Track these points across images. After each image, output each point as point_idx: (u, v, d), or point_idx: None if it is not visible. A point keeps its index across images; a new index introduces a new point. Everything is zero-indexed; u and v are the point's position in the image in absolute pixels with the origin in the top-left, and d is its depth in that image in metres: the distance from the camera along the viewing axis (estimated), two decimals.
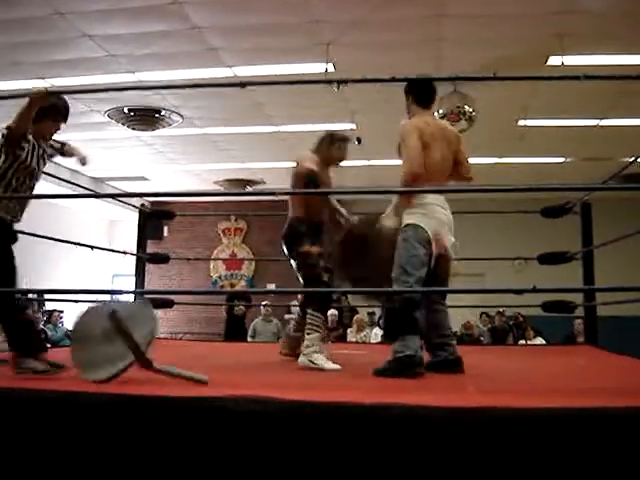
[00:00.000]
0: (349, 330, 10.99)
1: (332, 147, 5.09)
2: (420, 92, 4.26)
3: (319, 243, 4.60)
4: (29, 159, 3.74)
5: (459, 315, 10.81)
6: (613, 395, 2.75)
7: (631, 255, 11.65)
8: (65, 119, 3.97)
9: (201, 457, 2.27)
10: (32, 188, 3.90)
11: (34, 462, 2.36)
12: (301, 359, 4.31)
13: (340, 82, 3.57)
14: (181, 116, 9.68)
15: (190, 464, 2.27)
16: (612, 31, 6.86)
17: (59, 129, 3.99)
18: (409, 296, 3.81)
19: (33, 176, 3.84)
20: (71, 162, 4.17)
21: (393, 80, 3.47)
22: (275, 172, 12.94)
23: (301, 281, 4.64)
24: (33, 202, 3.93)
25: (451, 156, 4.16)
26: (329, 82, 3.84)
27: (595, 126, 9.92)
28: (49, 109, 3.83)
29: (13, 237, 3.85)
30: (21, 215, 3.87)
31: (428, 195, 4.00)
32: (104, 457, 2.33)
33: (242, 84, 3.61)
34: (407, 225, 3.97)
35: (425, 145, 3.97)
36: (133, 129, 9.95)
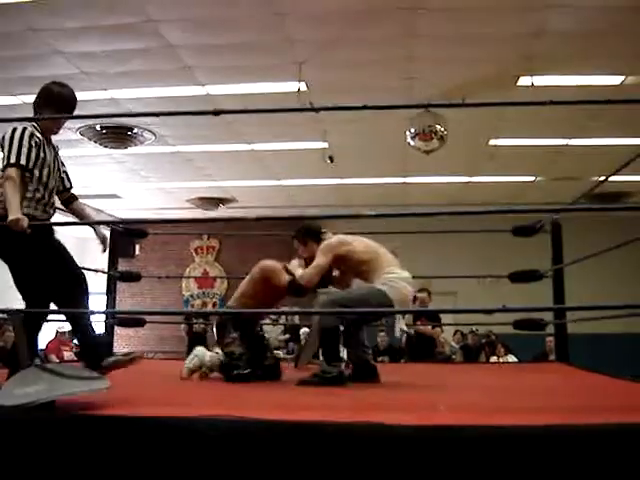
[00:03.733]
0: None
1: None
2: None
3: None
4: (47, 160, 3.71)
5: None
6: (584, 412, 2.77)
7: (601, 273, 11.79)
8: (71, 111, 3.90)
9: (177, 478, 2.25)
10: (54, 187, 3.86)
11: None
12: None
13: (312, 110, 3.63)
14: (154, 134, 9.66)
15: None
16: (580, 52, 6.98)
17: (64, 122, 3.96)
18: (331, 327, 4.32)
19: (50, 174, 3.78)
20: None
21: (365, 108, 3.51)
22: (247, 190, 12.94)
23: None
24: None
25: None
26: (302, 110, 3.92)
27: (565, 146, 10.05)
28: (54, 99, 3.79)
29: (49, 233, 3.79)
30: (53, 210, 3.85)
31: (397, 271, 4.44)
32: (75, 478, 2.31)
33: (216, 112, 3.63)
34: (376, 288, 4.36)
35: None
36: (105, 147, 9.91)
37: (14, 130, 3.63)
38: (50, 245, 3.71)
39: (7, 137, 3.62)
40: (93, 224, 4.50)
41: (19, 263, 3.62)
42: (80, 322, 3.81)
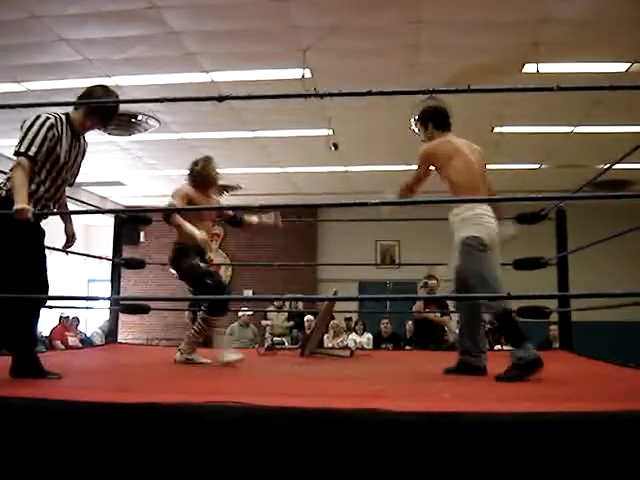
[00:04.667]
0: (325, 336, 10.98)
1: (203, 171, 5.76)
2: (438, 118, 4.57)
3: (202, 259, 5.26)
4: (61, 156, 3.64)
5: None
6: (588, 400, 2.77)
7: (603, 261, 11.76)
8: (107, 118, 3.90)
9: (181, 464, 2.26)
10: (63, 182, 3.79)
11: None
12: (178, 356, 4.88)
13: (316, 95, 3.59)
14: (158, 121, 9.64)
15: (170, 470, 2.26)
16: (586, 39, 6.94)
17: (101, 128, 3.99)
18: (504, 307, 3.98)
19: (62, 170, 3.70)
20: None
21: (369, 94, 3.50)
22: (251, 177, 12.92)
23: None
24: None
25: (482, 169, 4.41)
26: (306, 96, 3.90)
27: (570, 133, 10.02)
28: (100, 110, 3.77)
29: (37, 230, 3.71)
30: (53, 204, 3.79)
31: (479, 206, 4.18)
32: (85, 465, 2.31)
33: (220, 98, 3.60)
34: (468, 237, 4.12)
35: (448, 158, 4.28)
36: (109, 134, 9.88)
37: (36, 118, 3.58)
38: (27, 243, 3.60)
39: (27, 123, 3.57)
40: (99, 212, 4.47)
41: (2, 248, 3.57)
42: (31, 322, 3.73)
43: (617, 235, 4.66)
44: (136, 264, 7.01)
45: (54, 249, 5.42)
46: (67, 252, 4.81)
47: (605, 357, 5.28)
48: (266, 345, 6.53)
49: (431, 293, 8.74)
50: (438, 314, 8.80)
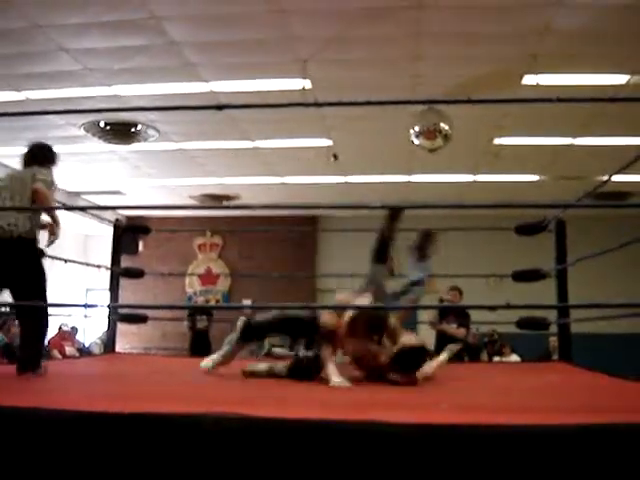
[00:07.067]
0: None
1: None
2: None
3: None
4: None
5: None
6: (585, 412, 2.76)
7: (604, 273, 11.75)
8: None
9: (178, 475, 2.24)
10: None
11: None
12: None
13: (315, 105, 3.61)
14: (157, 131, 9.65)
15: None
16: (586, 51, 6.96)
17: None
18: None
19: None
20: None
21: (368, 104, 3.51)
22: (251, 187, 12.93)
23: None
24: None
25: None
26: (305, 105, 3.91)
27: (569, 145, 10.03)
28: None
29: None
30: None
31: None
32: (79, 475, 2.30)
33: (219, 107, 3.60)
34: None
35: None
36: (109, 143, 9.90)
37: None
38: None
39: None
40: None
41: None
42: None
43: (618, 247, 4.65)
44: (135, 274, 7.00)
45: (53, 257, 5.41)
46: (66, 261, 4.79)
47: (605, 369, 5.27)
48: (263, 352, 6.50)
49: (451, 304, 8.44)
50: (454, 325, 8.32)
